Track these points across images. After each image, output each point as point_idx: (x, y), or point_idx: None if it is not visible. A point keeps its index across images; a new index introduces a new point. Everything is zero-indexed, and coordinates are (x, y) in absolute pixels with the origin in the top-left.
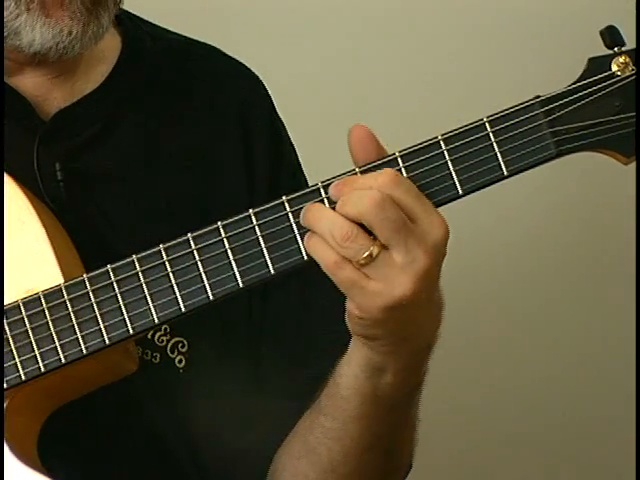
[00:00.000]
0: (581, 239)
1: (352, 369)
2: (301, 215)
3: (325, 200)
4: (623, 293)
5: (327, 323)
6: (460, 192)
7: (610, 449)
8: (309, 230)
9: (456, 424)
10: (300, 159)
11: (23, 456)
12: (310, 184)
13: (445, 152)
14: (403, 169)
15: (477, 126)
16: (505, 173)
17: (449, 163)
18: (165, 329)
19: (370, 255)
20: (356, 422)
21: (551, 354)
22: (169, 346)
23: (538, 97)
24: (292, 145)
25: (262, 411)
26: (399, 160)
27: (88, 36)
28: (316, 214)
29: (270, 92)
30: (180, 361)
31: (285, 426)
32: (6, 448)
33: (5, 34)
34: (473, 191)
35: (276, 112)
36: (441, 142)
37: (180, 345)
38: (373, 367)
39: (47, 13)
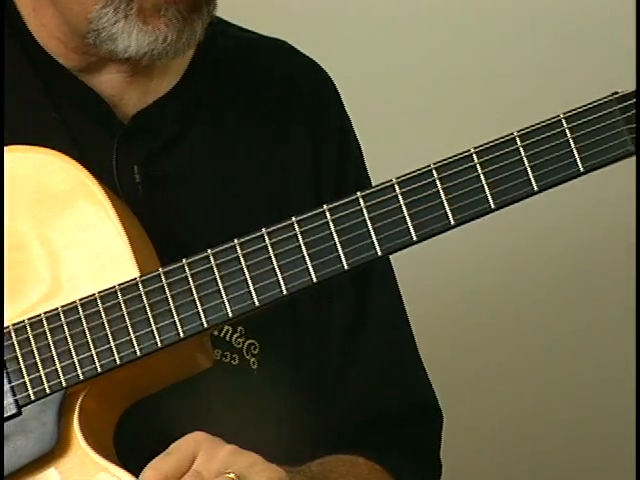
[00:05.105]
0: (580, 241)
1: None
2: None
3: (399, 196)
4: (624, 294)
5: (386, 326)
6: (535, 188)
7: (610, 449)
8: (384, 225)
9: (455, 425)
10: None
11: (100, 448)
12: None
13: (521, 148)
14: (478, 165)
15: (553, 123)
16: (582, 170)
17: (524, 159)
18: (240, 330)
19: None
20: None
21: (551, 355)
22: (244, 348)
23: (615, 94)
24: (358, 144)
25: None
26: (474, 157)
27: (182, 42)
28: None
29: (339, 89)
30: (253, 363)
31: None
32: (81, 439)
33: (100, 39)
34: (549, 187)
35: (344, 110)
36: (517, 139)
37: (252, 347)
38: None
39: (144, 20)
